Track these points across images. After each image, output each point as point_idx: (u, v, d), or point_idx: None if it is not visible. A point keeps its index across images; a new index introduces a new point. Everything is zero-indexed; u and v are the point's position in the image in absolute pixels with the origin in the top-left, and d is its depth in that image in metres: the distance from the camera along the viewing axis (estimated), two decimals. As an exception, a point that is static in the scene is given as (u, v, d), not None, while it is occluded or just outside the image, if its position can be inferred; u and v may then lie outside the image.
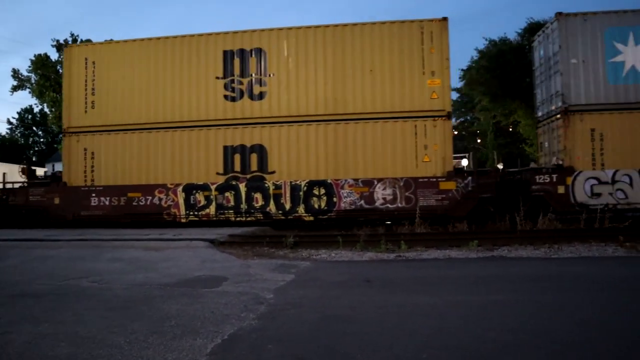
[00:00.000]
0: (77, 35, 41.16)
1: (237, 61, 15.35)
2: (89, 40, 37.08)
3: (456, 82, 39.21)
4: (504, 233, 12.57)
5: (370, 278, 7.71)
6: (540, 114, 17.60)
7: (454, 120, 50.41)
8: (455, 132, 51.06)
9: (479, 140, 49.96)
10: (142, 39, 16.15)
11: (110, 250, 10.73)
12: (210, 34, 15.59)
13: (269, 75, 15.20)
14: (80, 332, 4.95)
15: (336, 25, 15.07)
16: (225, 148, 15.25)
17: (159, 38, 16.00)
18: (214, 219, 15.21)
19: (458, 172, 14.77)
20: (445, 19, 14.72)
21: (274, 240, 12.04)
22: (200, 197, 15.27)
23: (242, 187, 15.08)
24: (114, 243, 11.72)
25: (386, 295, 6.55)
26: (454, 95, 46.33)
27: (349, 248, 11.20)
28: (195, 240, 11.86)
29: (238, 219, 15.12)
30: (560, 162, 14.75)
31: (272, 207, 14.95)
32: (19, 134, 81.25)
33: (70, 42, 37.98)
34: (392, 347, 4.44)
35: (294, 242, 11.65)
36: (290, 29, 15.30)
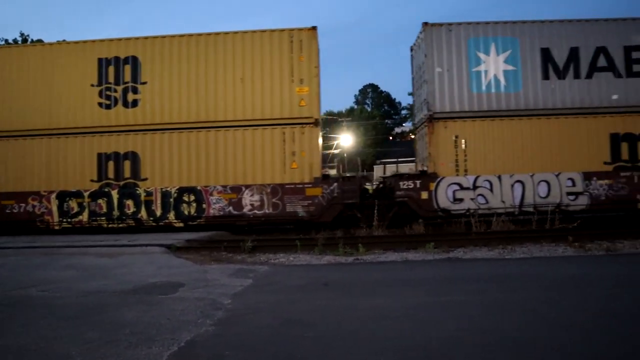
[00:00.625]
0: (28, 35, 39.80)
1: (111, 69, 15.20)
2: (40, 40, 35.98)
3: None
4: (459, 235, 12.87)
5: (329, 281, 7.75)
6: (415, 121, 18.19)
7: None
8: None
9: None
10: (19, 45, 15.91)
11: (62, 258, 10.40)
12: (85, 42, 15.44)
13: (142, 83, 15.16)
14: (29, 344, 4.78)
15: (209, 34, 15.12)
16: (100, 155, 15.08)
17: (35, 45, 15.78)
18: (87, 225, 15.07)
19: (325, 178, 15.02)
20: (314, 28, 14.94)
21: (232, 244, 11.94)
22: (73, 204, 15.04)
23: (115, 194, 14.96)
24: (66, 250, 11.38)
25: (345, 298, 6.59)
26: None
27: (307, 252, 11.22)
28: (151, 245, 11.65)
29: (110, 225, 15.02)
30: (425, 169, 15.17)
31: (143, 213, 14.89)
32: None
33: (20, 42, 36.71)
34: (350, 351, 4.47)
35: (252, 247, 11.59)
36: (164, 37, 15.25)
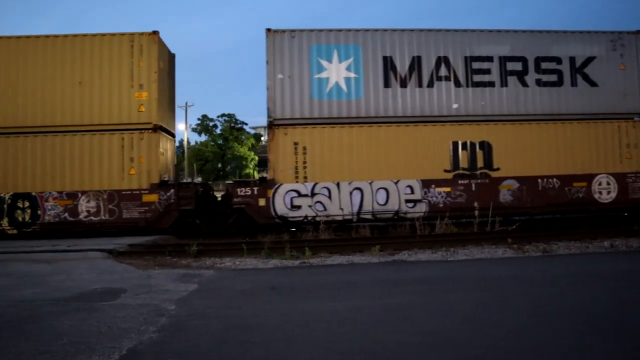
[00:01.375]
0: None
1: None
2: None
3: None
4: (404, 238, 13.10)
5: (275, 285, 7.72)
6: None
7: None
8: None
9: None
10: None
11: (-6, 264, 9.90)
12: None
13: None
14: (-42, 356, 4.53)
15: (47, 36, 14.73)
16: None
17: None
18: None
19: (162, 184, 14.81)
20: (155, 32, 14.87)
21: (177, 249, 11.72)
22: None
23: None
24: (-1, 256, 10.84)
25: (291, 302, 6.59)
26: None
27: (253, 256, 11.14)
28: (93, 250, 11.28)
29: None
30: (265, 175, 15.24)
31: None
32: None
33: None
34: (297, 355, 4.48)
35: (198, 251, 11.40)
36: (9, 37, 14.80)
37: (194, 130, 53.09)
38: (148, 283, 8.00)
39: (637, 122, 15.97)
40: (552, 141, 15.62)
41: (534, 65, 15.76)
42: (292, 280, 8.45)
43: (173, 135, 17.24)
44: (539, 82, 15.73)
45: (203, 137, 54.57)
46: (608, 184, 15.66)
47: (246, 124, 54.16)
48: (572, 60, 15.89)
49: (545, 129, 15.67)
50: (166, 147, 15.93)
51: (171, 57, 16.85)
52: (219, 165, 51.69)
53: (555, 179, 15.50)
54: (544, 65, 15.82)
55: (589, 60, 15.94)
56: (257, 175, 46.48)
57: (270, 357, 4.43)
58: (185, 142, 48.98)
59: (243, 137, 51.81)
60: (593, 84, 15.89)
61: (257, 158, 50.52)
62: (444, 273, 8.79)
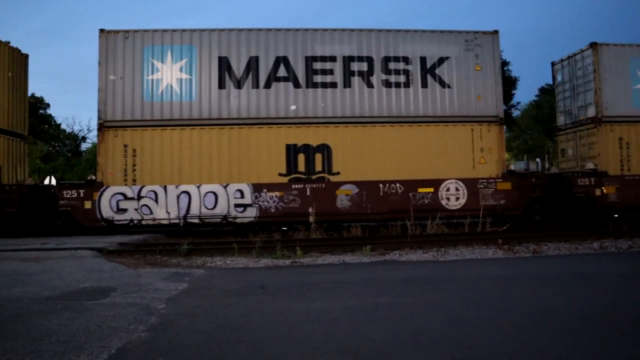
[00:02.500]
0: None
1: None
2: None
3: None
4: (395, 238, 13.15)
5: (266, 285, 7.71)
6: None
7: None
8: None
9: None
10: None
11: (-18, 262, 9.81)
12: None
13: None
14: (-56, 355, 4.48)
15: None
16: None
17: None
18: None
19: None
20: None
21: (167, 248, 11.69)
22: None
23: None
24: (-13, 254, 10.74)
25: (281, 301, 6.58)
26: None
27: (244, 255, 11.13)
28: (82, 249, 11.23)
29: None
30: (94, 177, 14.93)
31: None
32: None
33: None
34: (286, 354, 4.47)
35: (188, 250, 11.38)
36: None
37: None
38: (138, 282, 7.96)
39: (492, 126, 15.68)
40: (397, 145, 15.27)
41: (381, 66, 15.43)
42: (283, 279, 8.45)
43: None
44: (386, 83, 15.39)
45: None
46: (457, 190, 15.36)
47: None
48: (423, 60, 15.55)
49: (390, 132, 15.31)
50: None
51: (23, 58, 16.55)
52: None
53: (398, 184, 15.15)
54: (392, 65, 15.47)
55: (442, 60, 15.63)
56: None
57: (260, 357, 4.42)
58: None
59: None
60: (446, 85, 15.57)
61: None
62: (434, 273, 8.82)
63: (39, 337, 4.96)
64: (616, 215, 16.73)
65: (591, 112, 16.79)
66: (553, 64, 19.39)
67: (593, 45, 16.74)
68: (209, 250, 11.67)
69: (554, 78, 19.78)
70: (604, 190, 16.07)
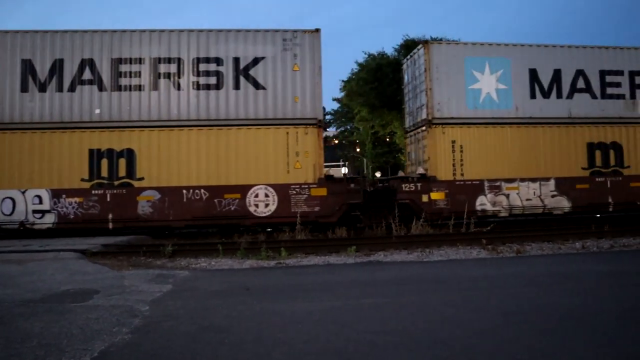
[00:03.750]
0: None
1: None
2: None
3: (337, 92, 40.04)
4: (380, 239, 13.20)
5: (250, 286, 7.70)
6: None
7: (333, 129, 51.87)
8: (336, 141, 52.40)
9: (357, 150, 51.75)
10: None
11: (-37, 265, 9.67)
12: None
13: None
14: None
15: None
16: None
17: None
18: None
19: None
20: None
21: (152, 249, 11.62)
22: None
23: None
24: (-33, 256, 10.59)
25: (265, 303, 6.57)
26: (335, 105, 47.68)
27: (229, 256, 11.10)
28: (65, 251, 11.12)
29: None
30: None
31: None
32: None
33: None
34: (270, 356, 4.47)
35: (173, 251, 11.33)
36: None
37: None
38: (121, 284, 7.90)
39: (309, 129, 15.03)
40: (205, 149, 14.77)
41: (191, 67, 14.92)
42: (268, 280, 8.44)
43: None
44: (196, 85, 14.89)
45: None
46: (266, 196, 14.80)
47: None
48: (236, 61, 14.98)
49: (199, 136, 14.80)
50: None
51: None
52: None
53: (203, 190, 14.67)
54: (203, 66, 14.96)
55: (257, 61, 15.03)
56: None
57: (244, 359, 4.41)
58: None
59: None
60: (260, 86, 14.99)
61: None
62: (419, 274, 8.87)
63: (19, 341, 4.90)
64: (446, 221, 15.52)
65: (424, 113, 16.27)
66: (401, 63, 18.89)
67: (424, 43, 16.47)
68: (194, 252, 11.63)
69: (401, 78, 19.46)
70: (431, 197, 15.57)
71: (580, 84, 16.70)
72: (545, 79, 16.54)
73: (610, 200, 16.46)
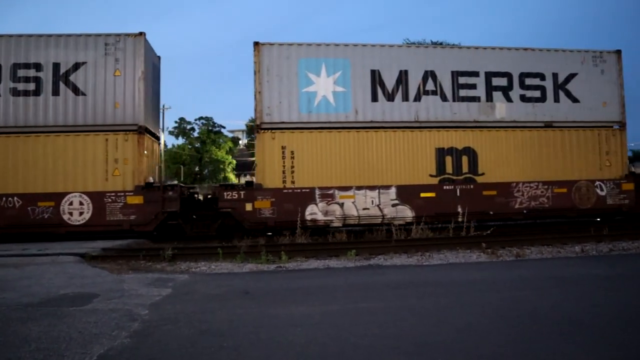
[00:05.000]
0: None
1: None
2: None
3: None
4: (380, 242, 13.14)
5: (250, 290, 7.69)
6: None
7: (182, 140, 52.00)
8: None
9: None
10: None
11: (-39, 269, 9.65)
12: None
13: None
14: None
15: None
16: None
17: None
18: None
19: None
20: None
21: (151, 253, 11.58)
22: None
23: None
24: (-34, 260, 10.57)
25: (264, 307, 6.56)
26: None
27: (229, 260, 11.07)
28: (64, 255, 11.10)
29: None
30: None
31: None
32: None
33: None
34: (268, 359, 4.46)
35: (172, 255, 11.29)
36: None
37: (170, 133, 52.37)
38: (121, 287, 7.89)
39: (130, 135, 14.70)
40: (21, 157, 14.40)
41: (9, 73, 14.55)
42: (267, 284, 8.42)
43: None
44: (14, 92, 14.55)
45: (180, 140, 53.88)
46: (81, 204, 14.39)
47: (224, 127, 53.59)
48: (56, 66, 14.63)
49: (16, 143, 14.41)
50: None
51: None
52: (197, 168, 50.86)
53: (16, 198, 14.28)
54: (21, 72, 14.63)
55: (78, 66, 14.72)
56: (234, 180, 46.10)
57: (243, 363, 4.41)
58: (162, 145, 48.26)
59: (221, 140, 51.29)
60: (80, 92, 14.65)
61: (234, 162, 50.13)
62: (418, 278, 8.85)
63: (17, 345, 4.90)
64: (270, 234, 15.31)
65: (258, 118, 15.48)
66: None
67: (255, 44, 15.40)
68: (194, 255, 11.59)
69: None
70: (255, 205, 14.93)
71: (430, 85, 15.94)
72: (390, 80, 15.80)
73: (459, 209, 15.58)
